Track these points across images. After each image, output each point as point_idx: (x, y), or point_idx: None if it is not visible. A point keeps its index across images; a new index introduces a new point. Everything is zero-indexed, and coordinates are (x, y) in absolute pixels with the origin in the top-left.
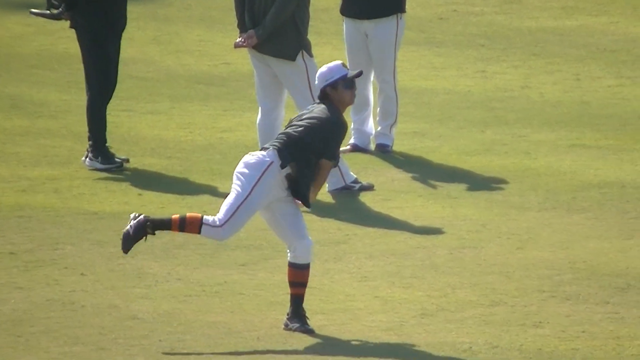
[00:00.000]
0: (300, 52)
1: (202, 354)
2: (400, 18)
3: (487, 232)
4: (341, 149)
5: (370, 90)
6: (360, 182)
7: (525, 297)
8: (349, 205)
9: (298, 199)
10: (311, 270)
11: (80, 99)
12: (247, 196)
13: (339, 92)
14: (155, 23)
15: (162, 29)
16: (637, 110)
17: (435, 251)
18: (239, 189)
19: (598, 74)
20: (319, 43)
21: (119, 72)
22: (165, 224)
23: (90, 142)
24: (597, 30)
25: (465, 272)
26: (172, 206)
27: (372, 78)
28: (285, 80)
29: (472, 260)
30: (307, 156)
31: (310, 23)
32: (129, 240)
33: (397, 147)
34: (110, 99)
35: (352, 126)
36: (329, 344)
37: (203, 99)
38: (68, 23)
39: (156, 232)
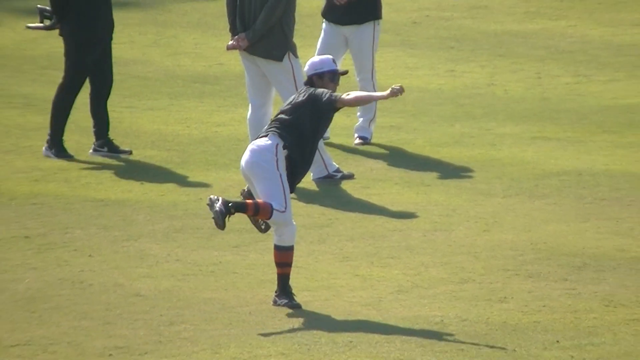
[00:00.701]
0: (287, 53)
1: (199, 327)
2: (377, 24)
3: (456, 217)
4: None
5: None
6: (341, 172)
7: (491, 275)
8: (332, 192)
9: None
10: (297, 252)
11: (86, 97)
12: (281, 177)
13: (324, 82)
14: (155, 28)
15: (161, 33)
16: (592, 106)
17: (410, 234)
18: (269, 176)
19: (557, 73)
20: (304, 45)
21: (120, 72)
22: (242, 207)
23: (96, 136)
24: (557, 33)
25: (437, 253)
26: (172, 194)
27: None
28: (273, 79)
29: (443, 241)
30: (299, 135)
31: (295, 27)
32: (222, 217)
33: (375, 139)
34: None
35: None
36: (314, 318)
37: (199, 96)
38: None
39: (235, 212)
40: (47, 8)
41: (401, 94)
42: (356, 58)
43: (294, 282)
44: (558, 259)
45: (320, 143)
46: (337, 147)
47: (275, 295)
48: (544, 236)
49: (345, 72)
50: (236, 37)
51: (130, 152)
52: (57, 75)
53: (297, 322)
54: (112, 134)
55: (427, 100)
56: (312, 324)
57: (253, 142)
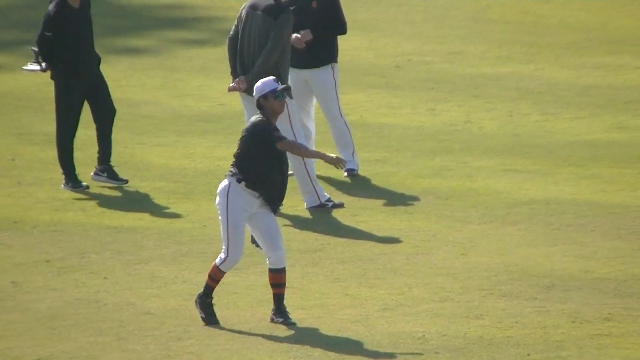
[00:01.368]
0: None
1: (203, 342)
2: (335, 66)
3: (436, 241)
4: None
5: (313, 124)
6: (332, 201)
7: (468, 295)
8: (324, 219)
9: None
10: (293, 273)
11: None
12: (227, 222)
13: (269, 102)
14: (163, 72)
15: (168, 77)
16: (559, 141)
17: (395, 257)
18: (220, 219)
19: (527, 111)
20: None
21: (131, 112)
22: (207, 288)
23: (99, 161)
24: (526, 76)
25: (419, 274)
26: (178, 221)
27: (312, 114)
28: None
29: (425, 264)
30: (254, 164)
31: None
32: (208, 318)
33: (362, 172)
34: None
35: None
36: (308, 334)
37: (202, 133)
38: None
39: (210, 296)
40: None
41: (339, 166)
42: (320, 100)
43: (289, 301)
44: (529, 280)
45: (313, 175)
46: (328, 179)
47: (272, 314)
48: (516, 259)
49: (287, 87)
50: (236, 79)
51: (126, 181)
52: None
53: (293, 337)
54: (125, 167)
55: (409, 137)
56: (307, 340)
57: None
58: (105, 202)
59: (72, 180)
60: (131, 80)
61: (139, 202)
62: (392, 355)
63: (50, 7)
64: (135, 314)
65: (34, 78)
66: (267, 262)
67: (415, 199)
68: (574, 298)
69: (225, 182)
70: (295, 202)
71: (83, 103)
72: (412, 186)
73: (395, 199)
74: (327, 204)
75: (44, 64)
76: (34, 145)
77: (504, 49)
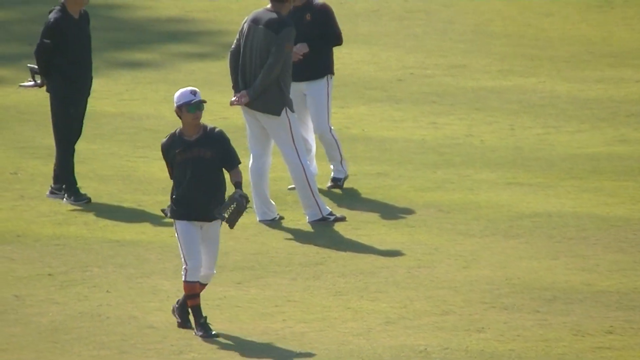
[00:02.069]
0: (284, 108)
1: (205, 355)
2: (330, 78)
3: (438, 255)
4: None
5: (313, 137)
6: (334, 215)
7: (470, 308)
8: (326, 233)
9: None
10: (295, 287)
11: (104, 147)
12: (177, 232)
13: (183, 113)
14: (166, 85)
15: (171, 91)
16: (561, 154)
17: (396, 270)
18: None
19: (529, 125)
20: None
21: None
22: (193, 309)
23: (54, 184)
24: (528, 89)
25: (421, 287)
26: None
27: (311, 127)
28: (271, 131)
29: (427, 277)
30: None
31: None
32: (184, 323)
33: (363, 185)
34: (72, 145)
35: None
36: (310, 347)
37: None
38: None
39: (202, 317)
40: (36, 67)
41: None
42: (312, 111)
43: (292, 314)
44: (530, 293)
45: (315, 189)
46: (329, 194)
47: (176, 309)
48: (518, 272)
49: (202, 101)
50: (238, 94)
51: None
52: None
53: (295, 350)
54: (127, 181)
55: (411, 150)
56: (309, 353)
57: None
58: (107, 215)
59: (74, 193)
60: (134, 94)
61: (141, 216)
62: None
63: (51, 15)
64: (138, 328)
65: (35, 92)
66: (190, 273)
67: (417, 212)
68: (576, 311)
69: None
70: (297, 216)
71: (83, 114)
72: (413, 199)
73: (397, 212)
74: (329, 218)
75: (39, 80)
76: (36, 159)
77: (506, 62)
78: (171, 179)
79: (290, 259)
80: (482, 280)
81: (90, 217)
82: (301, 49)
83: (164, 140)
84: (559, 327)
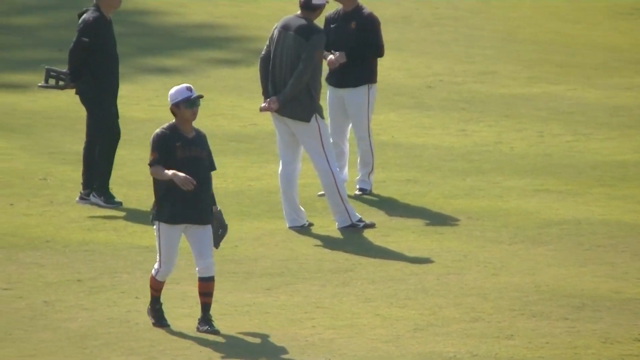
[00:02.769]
0: (314, 114)
1: None
2: (371, 87)
3: (467, 262)
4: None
5: (347, 144)
6: (364, 221)
7: (499, 315)
8: (355, 240)
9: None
10: (324, 294)
11: (133, 153)
12: (159, 236)
13: (180, 110)
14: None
15: None
16: (590, 161)
17: (425, 277)
18: (155, 232)
19: (558, 132)
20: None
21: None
22: (152, 297)
23: (83, 189)
24: (558, 96)
25: (450, 294)
26: None
27: (347, 133)
28: (301, 138)
29: (456, 284)
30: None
31: (322, 91)
32: (158, 322)
33: (393, 192)
34: (115, 147)
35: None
36: (339, 354)
37: (234, 153)
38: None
39: (159, 302)
40: (54, 68)
41: (187, 187)
42: (353, 118)
43: (320, 321)
44: (559, 300)
45: (344, 195)
46: (359, 200)
47: (198, 323)
48: (547, 279)
49: (199, 96)
50: (268, 100)
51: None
52: None
53: (324, 357)
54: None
55: (440, 157)
56: (337, 359)
57: None
58: (136, 221)
59: (104, 194)
60: (163, 100)
61: None
62: None
63: (88, 15)
64: (167, 334)
65: (66, 97)
66: (197, 272)
67: (446, 219)
68: (605, 318)
69: None
70: (326, 222)
71: (117, 115)
72: (443, 206)
73: (426, 219)
74: (359, 224)
75: (53, 82)
76: (66, 164)
77: (535, 69)
78: (150, 165)
79: (320, 265)
80: (510, 287)
81: (120, 223)
82: (339, 59)
83: (159, 130)
84: (587, 334)
